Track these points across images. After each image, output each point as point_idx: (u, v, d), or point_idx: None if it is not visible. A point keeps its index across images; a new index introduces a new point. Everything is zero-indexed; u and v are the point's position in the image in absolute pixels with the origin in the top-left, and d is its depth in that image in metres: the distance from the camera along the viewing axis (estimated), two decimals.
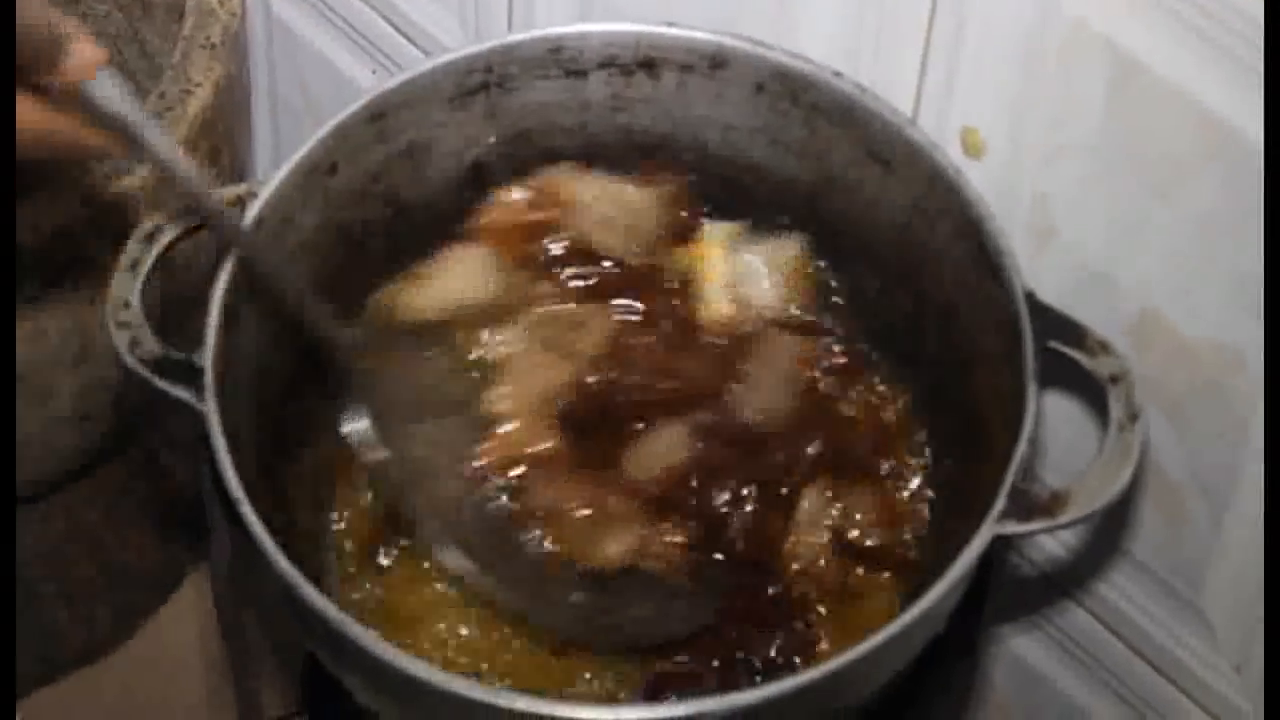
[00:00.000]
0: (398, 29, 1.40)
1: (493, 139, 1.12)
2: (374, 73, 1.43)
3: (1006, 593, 1.20)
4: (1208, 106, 0.94)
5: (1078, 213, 1.04)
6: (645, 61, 1.10)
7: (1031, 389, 0.97)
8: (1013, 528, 0.94)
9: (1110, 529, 1.12)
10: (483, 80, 1.10)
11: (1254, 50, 0.91)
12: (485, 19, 1.31)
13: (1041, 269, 1.06)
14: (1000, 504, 0.94)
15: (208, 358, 0.98)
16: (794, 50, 1.08)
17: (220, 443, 0.96)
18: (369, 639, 0.91)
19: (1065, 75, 1.00)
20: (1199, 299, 1.01)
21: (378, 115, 1.08)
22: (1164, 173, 0.99)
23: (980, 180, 1.04)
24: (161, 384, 0.99)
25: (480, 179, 1.14)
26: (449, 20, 1.35)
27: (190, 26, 1.22)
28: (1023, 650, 1.24)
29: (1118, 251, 1.03)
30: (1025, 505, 0.94)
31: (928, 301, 1.08)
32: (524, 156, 1.13)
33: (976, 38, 1.03)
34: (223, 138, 1.22)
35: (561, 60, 1.10)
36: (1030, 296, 0.99)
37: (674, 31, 1.09)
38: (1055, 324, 1.00)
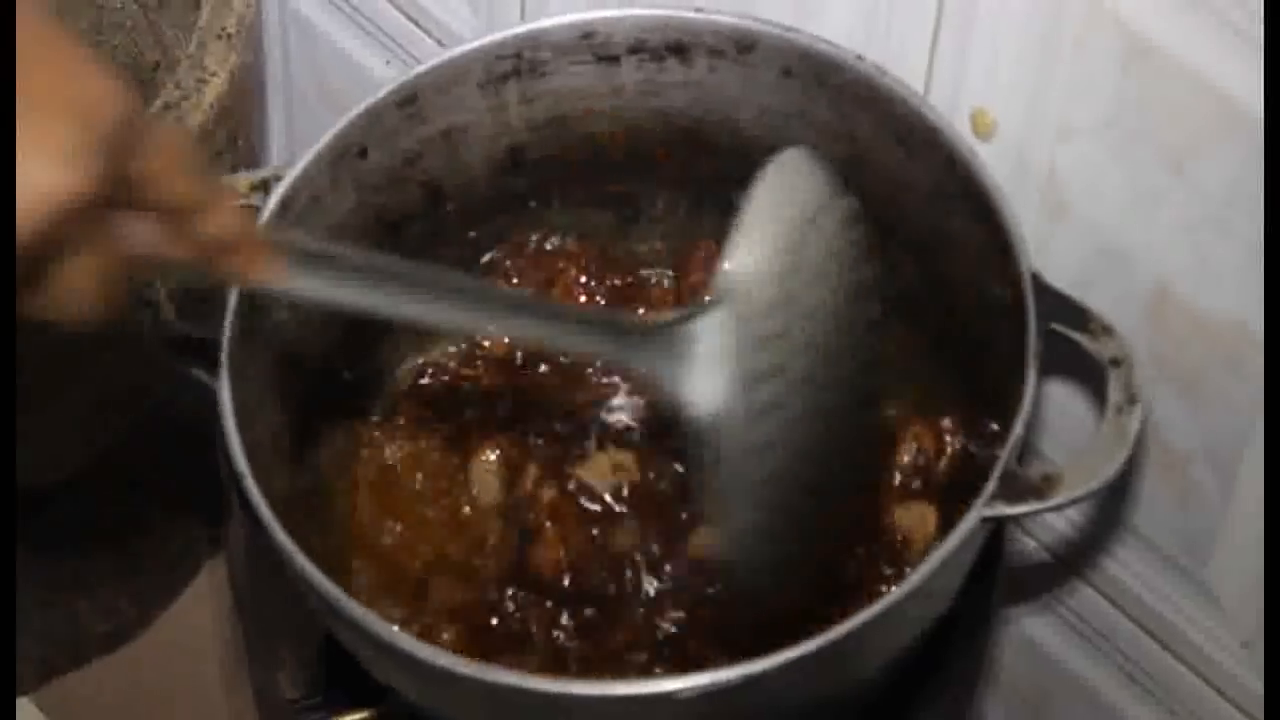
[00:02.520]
0: (410, 18, 1.40)
1: (528, 124, 1.13)
2: (387, 63, 1.44)
3: (1015, 573, 1.20)
4: (1221, 83, 0.94)
5: (1091, 190, 1.04)
6: (675, 46, 1.10)
7: (1031, 371, 0.96)
8: (1001, 509, 0.93)
9: (1119, 507, 1.12)
10: (513, 66, 1.10)
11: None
12: (499, 7, 1.31)
13: (1054, 246, 1.06)
14: (991, 486, 0.94)
15: (223, 333, 1.00)
16: (806, 30, 1.08)
17: (229, 417, 0.97)
18: (375, 622, 0.92)
19: (1078, 54, 0.99)
20: (1213, 273, 1.00)
21: (408, 100, 1.08)
22: (1177, 149, 0.98)
23: (992, 159, 1.03)
24: (178, 361, 1.01)
25: (519, 163, 1.15)
26: (461, 8, 1.35)
27: (206, 16, 1.23)
28: (1032, 629, 1.24)
29: (1131, 227, 1.03)
30: (1016, 487, 0.94)
31: (944, 282, 1.08)
32: (563, 141, 1.14)
33: (988, 18, 1.03)
34: (239, 126, 1.24)
35: (592, 45, 1.10)
36: (1036, 278, 0.99)
37: (700, 16, 1.09)
38: (1059, 306, 0.99)
